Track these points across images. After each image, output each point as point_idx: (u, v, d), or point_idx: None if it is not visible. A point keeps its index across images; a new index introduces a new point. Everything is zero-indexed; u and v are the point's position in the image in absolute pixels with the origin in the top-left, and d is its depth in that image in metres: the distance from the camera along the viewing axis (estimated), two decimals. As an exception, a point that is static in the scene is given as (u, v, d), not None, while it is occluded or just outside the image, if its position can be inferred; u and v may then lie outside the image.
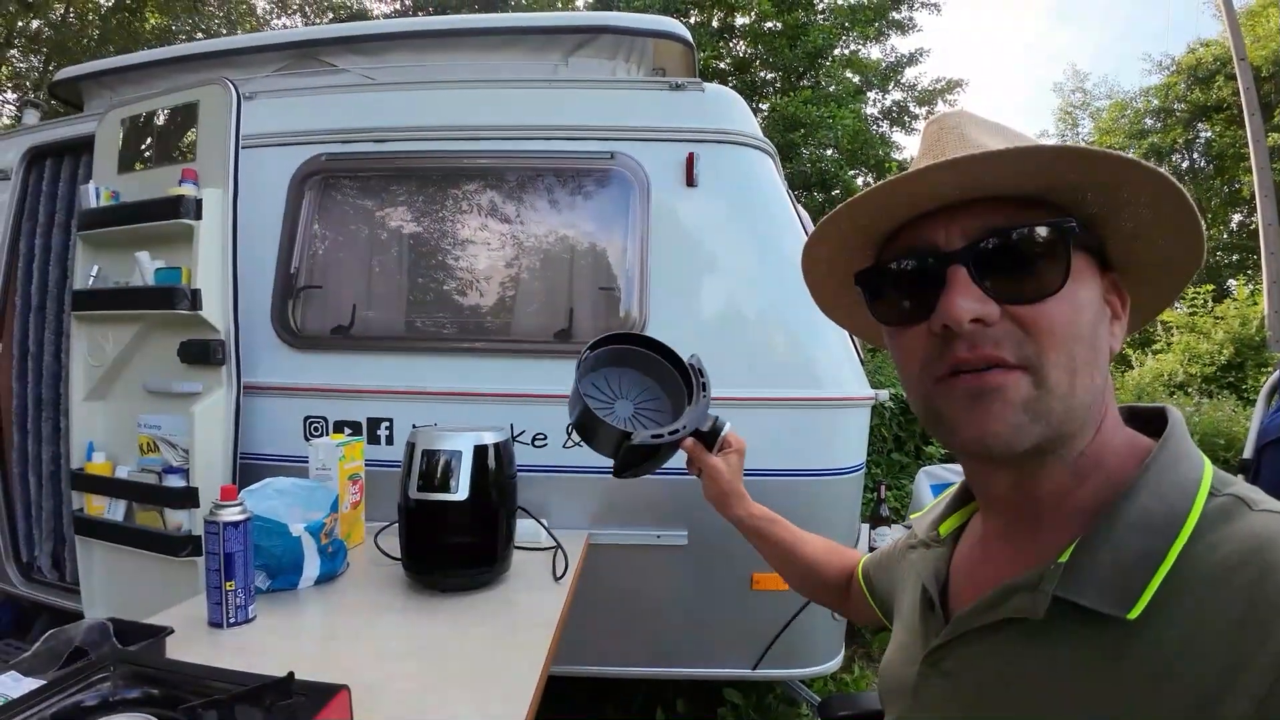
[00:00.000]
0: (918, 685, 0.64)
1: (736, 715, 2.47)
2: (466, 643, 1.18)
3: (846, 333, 2.10)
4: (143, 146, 2.09)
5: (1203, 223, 0.55)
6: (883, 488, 2.63)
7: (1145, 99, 18.39)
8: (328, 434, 1.97)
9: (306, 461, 1.66)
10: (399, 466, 1.47)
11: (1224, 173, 17.00)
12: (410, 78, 2.20)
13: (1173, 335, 11.70)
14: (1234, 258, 17.00)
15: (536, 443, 1.95)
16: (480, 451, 1.43)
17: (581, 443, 1.22)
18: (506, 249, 2.12)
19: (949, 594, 0.68)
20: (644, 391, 1.30)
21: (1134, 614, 0.49)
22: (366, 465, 1.75)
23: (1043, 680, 0.53)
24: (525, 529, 1.70)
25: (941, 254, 0.56)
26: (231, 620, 1.19)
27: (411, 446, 1.46)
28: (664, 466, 1.94)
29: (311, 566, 1.41)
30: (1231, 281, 14.34)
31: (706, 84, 2.11)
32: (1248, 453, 1.25)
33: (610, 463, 1.21)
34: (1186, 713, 0.45)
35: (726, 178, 2.05)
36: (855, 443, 2.08)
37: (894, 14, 11.90)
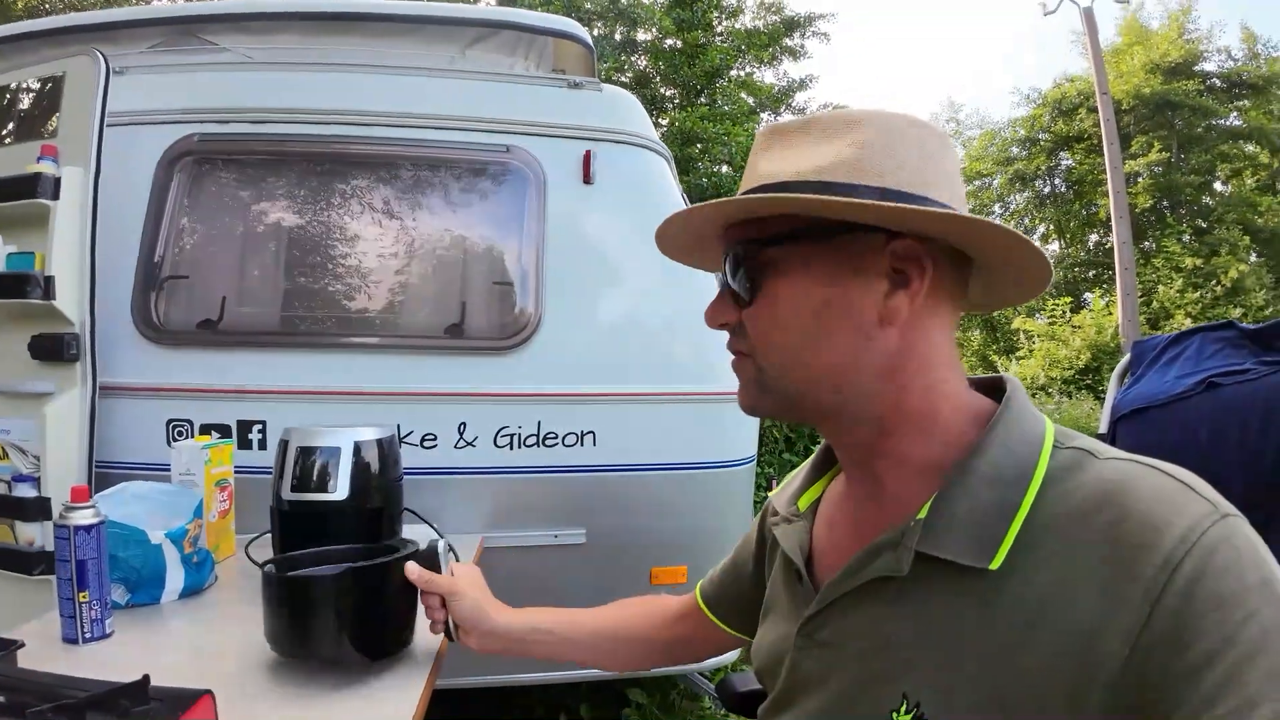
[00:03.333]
0: (795, 659, 0.64)
1: (641, 715, 2.45)
2: (347, 652, 1.11)
3: None
4: (5, 123, 1.89)
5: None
6: (775, 483, 2.72)
7: (1013, 129, 20.05)
8: (192, 437, 1.82)
9: (169, 469, 1.51)
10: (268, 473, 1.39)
11: (1082, 197, 18.77)
12: (297, 61, 2.08)
13: (1034, 343, 12.82)
14: (1090, 273, 18.73)
15: (425, 444, 1.87)
16: (361, 448, 1.36)
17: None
18: (394, 240, 2.03)
19: (814, 564, 0.68)
20: None
21: (995, 564, 0.51)
22: (236, 472, 1.61)
23: (917, 636, 0.54)
24: (412, 536, 1.63)
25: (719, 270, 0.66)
26: (87, 635, 1.08)
27: (285, 444, 1.37)
28: (562, 463, 1.94)
29: (175, 579, 1.29)
30: (1088, 295, 15.85)
31: (604, 85, 2.13)
32: (1103, 428, 1.36)
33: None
34: (1064, 656, 0.46)
35: (623, 177, 2.06)
36: (747, 435, 2.14)
37: (787, 40, 12.47)
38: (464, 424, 1.88)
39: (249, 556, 1.50)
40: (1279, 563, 0.46)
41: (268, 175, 2.03)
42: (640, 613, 1.00)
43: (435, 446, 1.88)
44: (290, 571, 1.01)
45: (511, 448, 1.91)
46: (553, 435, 1.92)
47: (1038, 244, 0.56)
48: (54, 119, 1.82)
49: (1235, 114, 17.85)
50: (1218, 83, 17.90)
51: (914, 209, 0.53)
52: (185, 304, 1.93)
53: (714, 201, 0.59)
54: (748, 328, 0.62)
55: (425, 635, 1.10)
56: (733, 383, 1.86)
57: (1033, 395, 10.29)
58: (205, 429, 1.83)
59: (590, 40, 2.24)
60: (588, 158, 2.01)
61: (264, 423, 1.85)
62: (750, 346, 0.62)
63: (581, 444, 1.94)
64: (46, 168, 1.70)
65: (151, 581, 1.26)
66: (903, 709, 0.53)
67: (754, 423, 2.16)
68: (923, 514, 0.55)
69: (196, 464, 1.50)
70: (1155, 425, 1.26)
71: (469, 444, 1.89)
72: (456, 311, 1.96)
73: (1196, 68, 17.63)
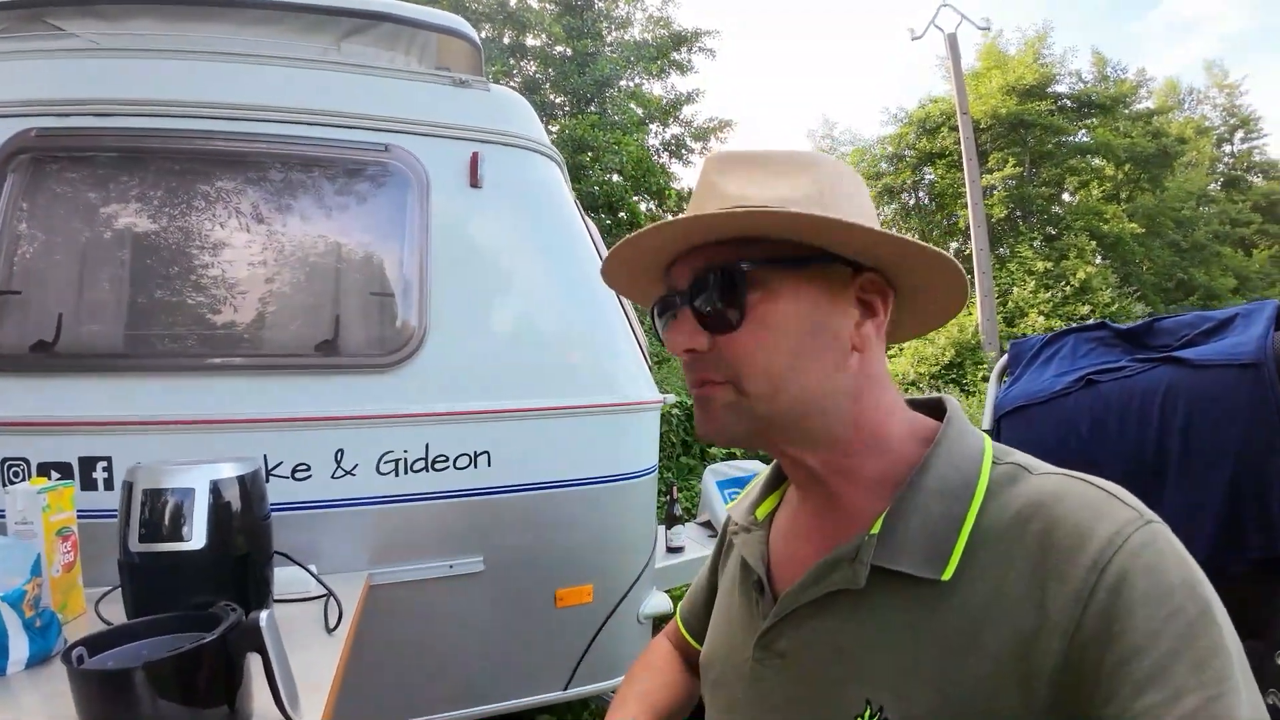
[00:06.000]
0: (753, 670, 0.65)
1: (551, 740, 2.36)
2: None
3: (635, 340, 2.12)
4: None
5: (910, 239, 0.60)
6: (674, 489, 2.75)
7: (882, 146, 21.32)
8: (29, 479, 1.57)
9: (2, 519, 1.30)
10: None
11: (944, 208, 20.21)
12: (151, 48, 1.85)
13: (903, 343, 13.73)
14: (953, 278, 20.18)
15: (298, 475, 1.69)
16: (219, 487, 1.20)
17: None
18: (259, 248, 1.83)
19: (772, 575, 0.69)
20: None
21: (947, 574, 0.54)
22: (82, 516, 1.39)
23: (874, 645, 0.56)
24: (288, 578, 1.46)
25: (676, 294, 0.64)
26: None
27: (129, 486, 1.20)
28: (454, 487, 1.81)
29: (19, 647, 1.12)
30: (950, 298, 17.16)
31: (492, 84, 2.02)
32: (986, 424, 1.42)
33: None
34: (1008, 658, 0.50)
35: (512, 181, 1.97)
36: (648, 445, 2.10)
37: (674, 54, 12.77)
38: (341, 451, 1.72)
39: (100, 616, 1.30)
40: None
41: (116, 176, 1.78)
42: (676, 667, 0.93)
43: (309, 477, 1.70)
44: (106, 650, 0.90)
45: (397, 474, 1.76)
46: (443, 458, 1.79)
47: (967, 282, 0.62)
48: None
49: (1084, 131, 19.83)
50: (1069, 103, 19.79)
51: (913, 242, 0.58)
52: (17, 323, 1.65)
53: (720, 211, 0.57)
54: (726, 352, 0.61)
55: (306, 698, 0.97)
56: (633, 393, 1.76)
57: (905, 390, 11.02)
58: (44, 468, 1.59)
59: (477, 38, 2.12)
60: (475, 160, 1.89)
61: (109, 459, 1.61)
62: (731, 372, 0.61)
63: (475, 465, 1.82)
64: None
65: (-8, 651, 1.08)
66: (866, 713, 0.55)
67: (655, 432, 2.12)
68: (876, 529, 0.57)
69: (34, 511, 1.29)
70: (1038, 421, 1.32)
71: (348, 473, 1.72)
72: (329, 326, 1.78)
73: (1049, 89, 19.41)
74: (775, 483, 0.78)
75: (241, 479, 1.24)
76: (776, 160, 0.63)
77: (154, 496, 1.18)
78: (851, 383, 0.61)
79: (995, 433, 1.40)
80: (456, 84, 1.95)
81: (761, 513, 0.75)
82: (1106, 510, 0.51)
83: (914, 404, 0.69)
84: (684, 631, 0.93)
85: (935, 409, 0.67)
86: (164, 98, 1.76)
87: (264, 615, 0.92)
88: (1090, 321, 1.44)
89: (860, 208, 0.62)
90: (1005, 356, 1.54)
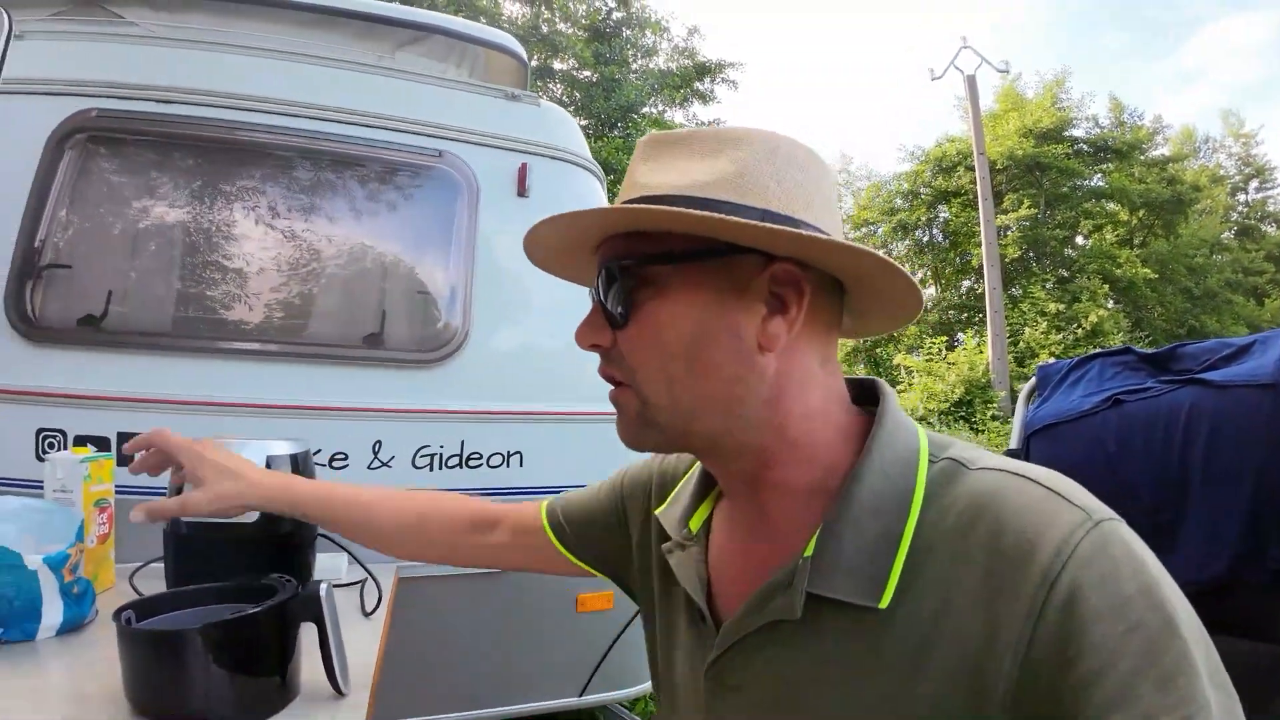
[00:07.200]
0: (709, 703, 0.62)
1: (552, 754, 2.34)
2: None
3: None
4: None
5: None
6: None
7: (897, 183, 21.52)
8: (67, 449, 1.60)
9: (37, 487, 1.30)
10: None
11: (957, 246, 20.32)
12: (215, 41, 1.91)
13: (914, 378, 13.74)
14: (963, 315, 20.23)
15: (335, 463, 1.73)
16: (274, 464, 1.23)
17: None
18: (310, 240, 1.89)
19: (714, 596, 0.64)
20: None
21: (884, 603, 0.50)
22: (117, 492, 1.43)
23: (817, 676, 0.53)
24: (319, 567, 1.49)
25: (591, 286, 0.61)
26: (-48, 679, 0.90)
27: (185, 459, 1.22)
28: (486, 485, 1.85)
29: (53, 612, 1.11)
30: (960, 335, 17.08)
31: (541, 100, 2.10)
32: (1014, 444, 1.45)
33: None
34: (958, 678, 0.46)
35: (559, 194, 2.03)
36: None
37: (698, 84, 12.99)
38: (379, 442, 1.76)
39: (134, 588, 1.33)
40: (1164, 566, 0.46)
41: (174, 161, 1.84)
42: (448, 511, 0.97)
43: (346, 466, 1.74)
44: (151, 617, 0.89)
45: (432, 468, 1.80)
46: (477, 455, 1.83)
47: (912, 278, 0.55)
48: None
49: (1099, 175, 19.97)
50: (1085, 147, 20.01)
51: (804, 235, 0.51)
52: (66, 297, 1.71)
53: (596, 208, 0.56)
54: (624, 352, 0.57)
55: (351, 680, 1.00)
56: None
57: (918, 423, 11.03)
58: (81, 440, 1.61)
59: (525, 56, 2.21)
60: (523, 171, 1.96)
61: None
62: (628, 374, 0.58)
63: (507, 465, 1.86)
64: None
65: (26, 614, 1.08)
66: None
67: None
68: (809, 551, 0.53)
69: (74, 480, 1.31)
70: (1066, 439, 1.35)
71: (384, 464, 1.76)
72: (375, 320, 1.85)
73: (1066, 133, 19.64)
74: (706, 487, 0.70)
75: (295, 458, 1.27)
76: (700, 140, 0.57)
77: (211, 470, 1.21)
78: (766, 387, 0.56)
79: (1024, 451, 1.44)
80: (509, 98, 2.02)
81: (695, 523, 0.68)
82: (1051, 512, 0.47)
83: (848, 384, 0.63)
84: (544, 515, 0.90)
85: (870, 392, 0.62)
86: (226, 90, 1.82)
87: (323, 585, 0.94)
88: (1115, 347, 1.49)
89: (788, 190, 0.55)
90: (1033, 379, 1.59)
